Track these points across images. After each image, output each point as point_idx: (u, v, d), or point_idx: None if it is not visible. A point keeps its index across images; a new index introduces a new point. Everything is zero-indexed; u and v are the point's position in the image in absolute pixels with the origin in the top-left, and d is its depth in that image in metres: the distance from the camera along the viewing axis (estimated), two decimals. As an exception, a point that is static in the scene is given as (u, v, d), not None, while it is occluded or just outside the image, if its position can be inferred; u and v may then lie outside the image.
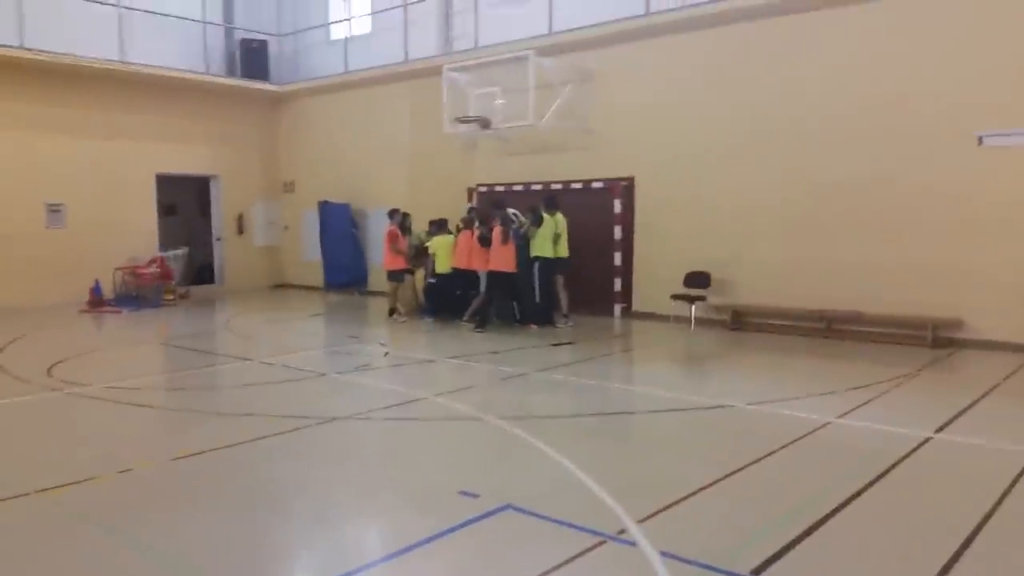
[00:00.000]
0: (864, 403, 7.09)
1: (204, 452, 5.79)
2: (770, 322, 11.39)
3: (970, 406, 7.03)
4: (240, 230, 18.70)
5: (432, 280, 12.97)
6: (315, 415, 6.92)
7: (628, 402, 7.56)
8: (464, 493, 4.82)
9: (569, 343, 10.64)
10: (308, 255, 18.56)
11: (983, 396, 7.41)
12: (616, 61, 12.99)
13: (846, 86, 10.72)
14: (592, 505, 4.60)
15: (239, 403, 7.63)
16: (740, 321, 11.60)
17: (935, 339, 9.91)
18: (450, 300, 12.82)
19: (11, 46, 14.18)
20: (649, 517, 4.39)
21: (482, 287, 12.13)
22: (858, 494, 4.78)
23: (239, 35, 18.46)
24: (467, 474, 5.31)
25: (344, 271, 17.19)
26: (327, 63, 18.08)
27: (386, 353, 10.19)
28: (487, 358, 9.63)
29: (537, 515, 4.45)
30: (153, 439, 6.52)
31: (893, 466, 5.33)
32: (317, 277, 17.98)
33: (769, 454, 5.60)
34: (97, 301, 14.81)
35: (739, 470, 5.23)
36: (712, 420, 6.74)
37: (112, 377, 8.68)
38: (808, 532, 4.19)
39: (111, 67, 15.52)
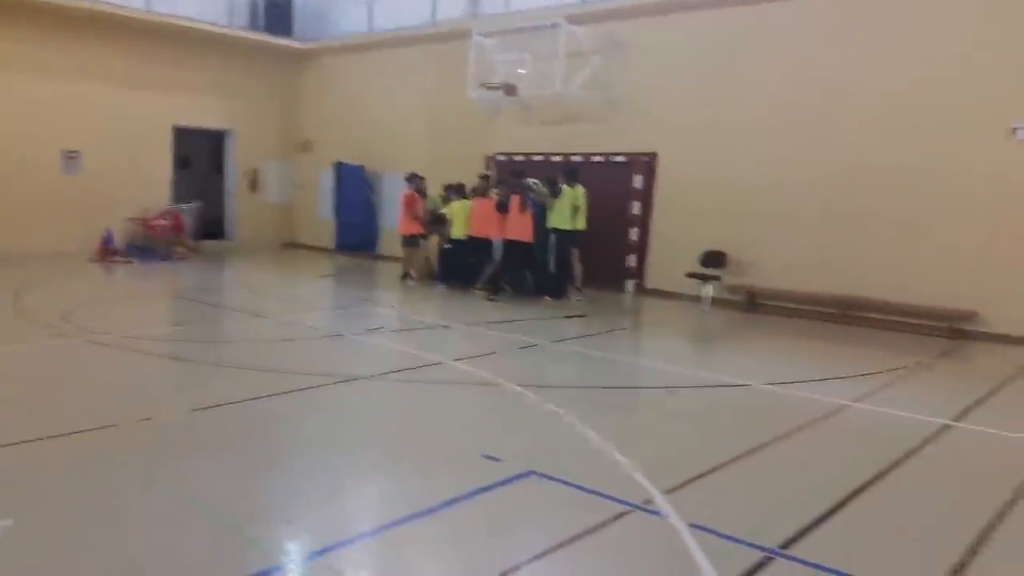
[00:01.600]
0: (881, 389, 7.10)
1: (226, 404, 5.81)
2: (786, 305, 11.37)
3: (987, 396, 7.03)
4: (253, 187, 18.64)
5: (448, 246, 12.93)
6: (336, 373, 6.94)
7: (645, 377, 7.57)
8: (487, 457, 4.84)
9: (582, 316, 10.64)
10: (321, 215, 18.52)
11: (1000, 387, 7.41)
12: (647, 33, 12.83)
13: (880, 70, 10.59)
14: (616, 474, 4.62)
15: (258, 358, 7.64)
16: (755, 303, 11.58)
17: (951, 330, 9.89)
18: (463, 267, 12.79)
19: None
20: (676, 489, 4.40)
21: (496, 255, 12.10)
22: (881, 475, 4.80)
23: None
24: (489, 438, 5.32)
25: (356, 233, 17.17)
26: (352, 21, 17.89)
27: (401, 317, 10.18)
28: (501, 327, 9.62)
29: (561, 481, 4.47)
30: (175, 389, 6.54)
31: (914, 450, 5.35)
32: (328, 238, 17.94)
33: (790, 433, 5.62)
34: (108, 251, 14.79)
35: (761, 447, 5.25)
36: (730, 398, 6.75)
37: (130, 327, 8.70)
38: (834, 510, 4.21)
39: (133, 15, 15.37)
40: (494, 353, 8.17)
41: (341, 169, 17.27)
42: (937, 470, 5.12)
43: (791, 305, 11.30)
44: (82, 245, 14.87)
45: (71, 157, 15.46)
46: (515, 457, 4.83)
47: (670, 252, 12.61)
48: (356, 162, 17.27)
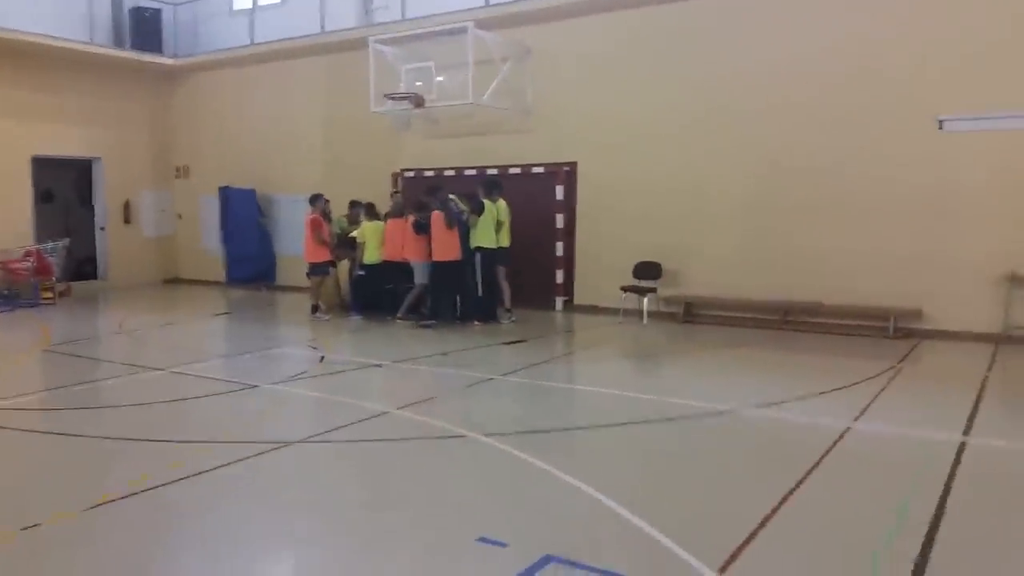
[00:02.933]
0: (868, 404, 6.59)
1: (133, 494, 4.60)
2: (725, 314, 10.92)
3: (976, 404, 6.63)
4: (127, 219, 16.83)
5: (361, 272, 11.81)
6: (262, 439, 5.79)
7: (618, 410, 6.69)
8: (485, 540, 3.90)
9: (521, 341, 9.79)
10: (206, 246, 16.92)
11: (980, 392, 7.06)
12: (557, 37, 12.21)
13: (802, 65, 10.33)
14: (651, 549, 3.78)
15: (162, 425, 6.37)
16: (693, 314, 11.07)
17: (898, 329, 9.66)
18: (379, 295, 11.74)
19: None
20: (728, 565, 3.60)
21: (417, 279, 11.13)
22: (940, 513, 4.17)
23: (130, 2, 16.50)
24: (479, 514, 4.37)
25: (250, 264, 15.70)
26: (229, 35, 16.43)
27: (322, 358, 9.04)
28: (437, 360, 8.66)
29: (591, 568, 3.58)
30: (60, 479, 5.22)
31: (951, 478, 4.78)
32: (217, 271, 16.36)
33: (811, 470, 4.95)
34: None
35: (792, 494, 4.53)
36: (721, 429, 6.04)
37: (8, 389, 7.23)
38: (919, 570, 3.52)
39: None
40: (442, 395, 7.19)
41: (228, 194, 15.77)
42: (991, 497, 4.56)
43: (732, 314, 10.85)
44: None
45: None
46: (520, 538, 3.92)
47: (598, 265, 11.99)
48: (244, 185, 15.82)
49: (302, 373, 8.21)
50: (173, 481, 4.84)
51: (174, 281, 17.45)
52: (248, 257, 15.67)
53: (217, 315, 12.98)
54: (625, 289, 11.23)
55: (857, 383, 7.33)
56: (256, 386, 7.67)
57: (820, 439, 5.55)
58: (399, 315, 11.17)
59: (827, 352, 9.11)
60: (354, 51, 13.61)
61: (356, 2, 14.84)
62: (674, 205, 11.29)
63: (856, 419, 6.11)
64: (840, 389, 7.09)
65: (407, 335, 10.44)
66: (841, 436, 5.67)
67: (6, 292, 13.79)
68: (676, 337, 10.33)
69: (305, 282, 12.97)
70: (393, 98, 12.28)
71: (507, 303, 11.17)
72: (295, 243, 14.58)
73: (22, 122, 14.67)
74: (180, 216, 17.53)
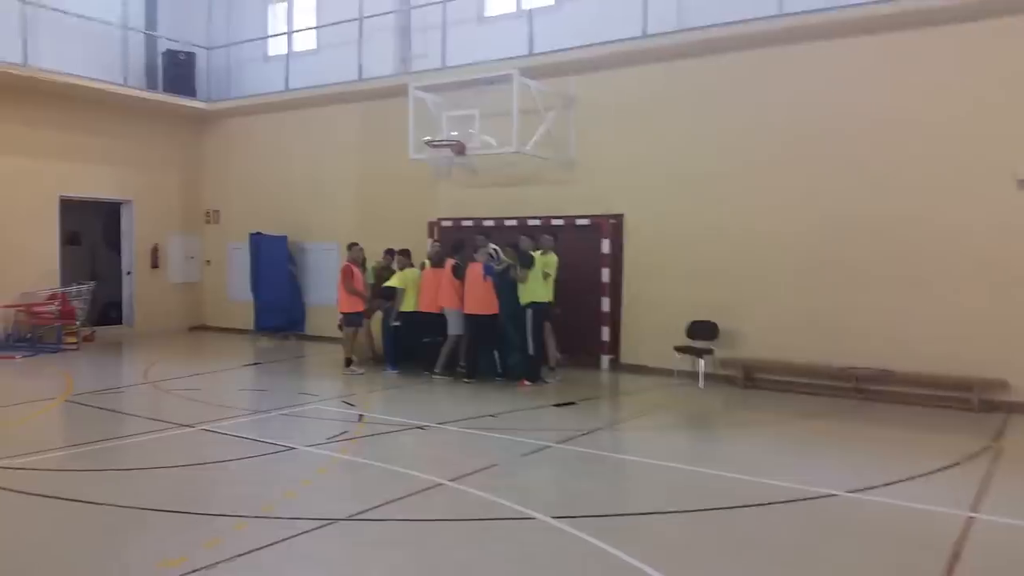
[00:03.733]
0: (982, 489, 5.86)
1: (166, 585, 3.98)
2: (788, 379, 10.17)
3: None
4: (154, 264, 16.43)
5: (396, 323, 11.23)
6: (305, 513, 5.16)
7: (698, 489, 5.99)
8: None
9: (571, 403, 9.11)
10: (234, 294, 16.46)
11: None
12: (602, 86, 11.79)
13: (870, 114, 9.77)
14: None
15: (193, 493, 5.76)
16: (752, 378, 10.36)
17: (982, 402, 8.91)
18: (414, 348, 11.16)
19: None
20: None
21: (451, 330, 10.57)
22: None
23: (163, 45, 16.39)
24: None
25: (279, 312, 15.18)
26: (263, 81, 16.22)
27: (360, 417, 8.42)
28: (486, 423, 8.01)
29: None
30: (79, 555, 4.59)
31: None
32: (244, 319, 15.85)
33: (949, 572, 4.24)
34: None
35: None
36: (831, 518, 5.32)
37: (11, 448, 6.68)
38: None
39: (11, 71, 13.16)
40: (498, 465, 6.52)
41: (258, 241, 15.36)
42: None
43: (793, 379, 10.12)
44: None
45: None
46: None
47: (646, 323, 11.36)
48: (275, 232, 15.41)
49: (341, 434, 7.59)
50: (209, 566, 4.22)
51: (200, 328, 16.96)
52: (278, 306, 15.17)
53: (246, 366, 12.43)
54: (680, 350, 10.56)
55: (957, 463, 6.60)
56: (292, 448, 7.06)
57: (946, 533, 4.85)
58: (436, 370, 10.57)
59: (909, 426, 8.36)
60: (391, 98, 13.30)
61: (394, 50, 14.60)
62: (729, 261, 10.69)
63: (974, 507, 5.39)
64: (942, 470, 6.37)
65: (446, 393, 9.82)
66: (967, 529, 4.96)
67: (29, 336, 13.33)
68: (739, 404, 9.60)
69: (336, 333, 12.45)
70: (434, 145, 11.86)
71: (552, 361, 10.55)
72: (326, 292, 14.13)
73: (52, 162, 14.37)
74: (208, 262, 17.13)
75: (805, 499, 5.60)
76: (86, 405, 9.04)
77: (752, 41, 10.50)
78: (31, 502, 5.45)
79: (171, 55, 16.24)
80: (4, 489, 5.66)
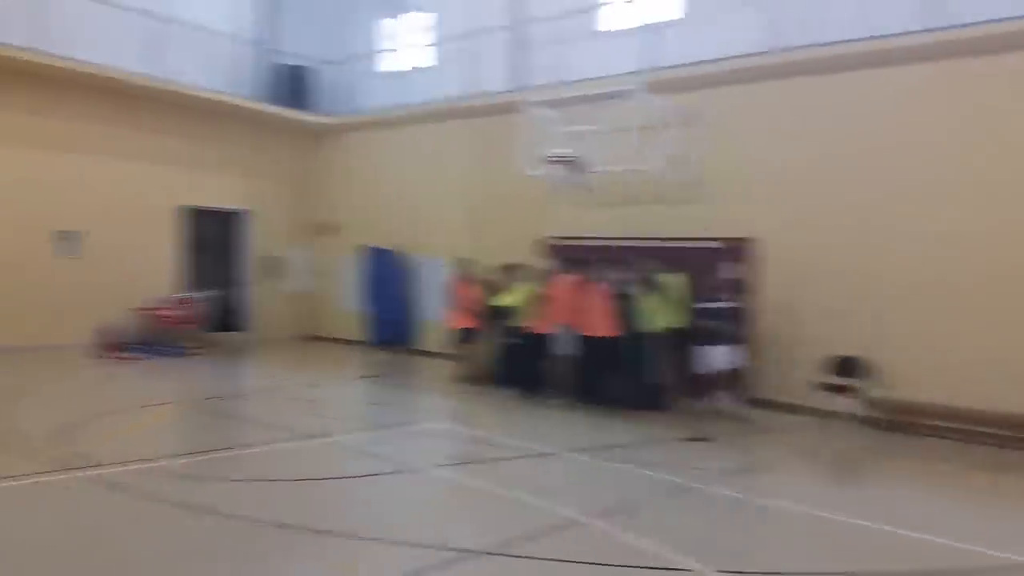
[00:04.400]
0: None
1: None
2: (950, 425, 9.17)
3: None
4: (271, 274, 16.86)
5: (513, 341, 11.05)
6: (441, 543, 5.00)
7: (883, 551, 5.24)
8: None
9: (704, 439, 8.57)
10: (346, 305, 16.69)
11: None
12: (731, 102, 11.33)
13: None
14: None
15: (322, 510, 5.69)
16: (908, 421, 9.42)
17: None
18: (530, 367, 10.92)
19: (10, 45, 12.18)
20: None
21: (568, 350, 10.29)
22: None
23: (282, 59, 16.86)
24: None
25: (391, 325, 15.30)
26: (378, 95, 16.47)
27: (480, 439, 8.25)
28: (616, 455, 7.65)
29: None
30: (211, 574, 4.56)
31: None
32: (355, 330, 16.06)
33: None
34: (113, 345, 12.92)
35: None
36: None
37: (141, 450, 6.85)
38: None
39: (138, 82, 13.73)
40: (639, 503, 6.19)
41: (371, 254, 15.55)
42: None
43: (958, 425, 9.11)
44: (79, 338, 12.91)
45: (67, 239, 13.62)
46: None
47: (781, 355, 10.69)
48: (388, 246, 15.57)
49: (461, 456, 7.44)
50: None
51: (313, 338, 17.28)
52: (389, 319, 15.30)
53: (361, 378, 12.54)
54: (824, 387, 9.89)
55: None
56: (417, 469, 6.94)
57: None
58: (552, 393, 10.32)
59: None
60: (505, 114, 13.19)
61: (510, 65, 14.54)
62: (878, 291, 9.87)
63: None
64: None
65: (565, 417, 9.55)
66: None
67: (156, 339, 13.83)
68: (899, 450, 8.78)
69: (448, 349, 12.40)
70: (553, 160, 11.67)
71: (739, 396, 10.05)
72: (437, 307, 14.12)
73: (175, 171, 14.92)
74: (323, 273, 17.46)
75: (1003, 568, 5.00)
76: (210, 413, 9.23)
77: (898, 56, 9.87)
78: (158, 511, 5.48)
79: (292, 69, 16.69)
80: (133, 493, 5.72)
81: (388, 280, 15.31)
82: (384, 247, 15.58)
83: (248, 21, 16.59)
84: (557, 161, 11.55)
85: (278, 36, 16.97)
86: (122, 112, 14.11)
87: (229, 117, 15.67)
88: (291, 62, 16.75)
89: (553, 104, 12.10)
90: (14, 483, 5.84)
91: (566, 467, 7.33)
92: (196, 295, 14.70)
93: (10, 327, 12.38)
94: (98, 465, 6.34)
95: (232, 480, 6.42)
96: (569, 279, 10.45)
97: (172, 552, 4.80)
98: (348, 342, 16.26)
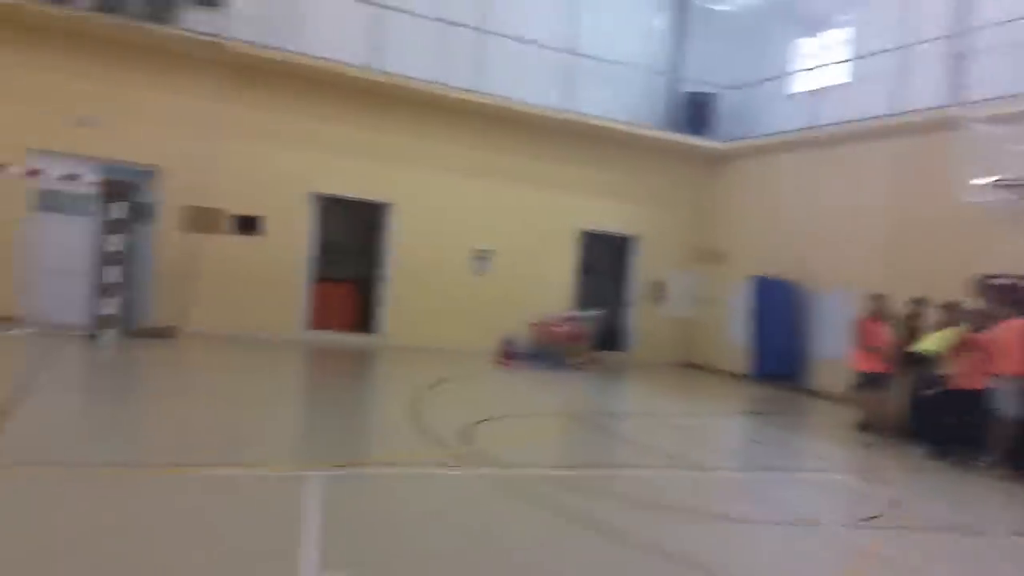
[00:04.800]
0: None
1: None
2: None
3: None
4: (655, 298, 16.83)
5: (930, 392, 9.41)
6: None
7: None
8: None
9: None
10: (730, 336, 15.97)
11: None
12: None
13: None
14: None
15: (721, 557, 5.14)
16: None
17: None
18: (954, 426, 9.15)
19: (459, 87, 13.89)
20: None
21: (1009, 409, 8.40)
22: None
23: (687, 87, 16.80)
24: None
25: (780, 360, 14.24)
26: (784, 118, 15.51)
27: (893, 500, 7.03)
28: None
29: None
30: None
31: None
32: (736, 362, 15.27)
33: None
34: (508, 354, 13.93)
35: None
36: None
37: (532, 456, 7.03)
38: None
39: (544, 114, 14.72)
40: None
41: (762, 284, 14.66)
42: None
43: None
44: (484, 345, 14.21)
45: (481, 257, 15.08)
46: None
47: None
48: (782, 276, 14.54)
49: (873, 517, 6.35)
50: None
51: (690, 365, 16.87)
52: (778, 353, 14.26)
53: (744, 414, 11.79)
54: None
55: None
56: (815, 523, 6.06)
57: None
58: (987, 459, 8.51)
59: None
60: (933, 133, 11.52)
61: (940, 79, 12.63)
62: None
63: None
64: None
65: (1001, 488, 7.79)
66: None
67: (544, 353, 14.54)
68: None
69: (847, 392, 11.06)
70: (1000, 185, 9.81)
71: None
72: (837, 345, 12.72)
73: (574, 196, 15.71)
74: (706, 301, 16.97)
75: None
76: (594, 428, 9.26)
77: None
78: (551, 523, 5.37)
79: (693, 96, 16.55)
80: (526, 499, 5.73)
81: (779, 311, 14.29)
82: (776, 276, 14.60)
83: (658, 52, 16.86)
84: (1006, 186, 9.72)
85: (684, 64, 17.00)
86: (533, 142, 15.25)
87: (629, 145, 16.04)
88: (694, 88, 16.64)
89: (998, 120, 10.26)
90: (419, 472, 6.25)
91: (1002, 551, 5.86)
92: (584, 314, 15.21)
93: (435, 330, 14.25)
94: (494, 464, 6.58)
95: (615, 500, 6.17)
96: (1018, 325, 8.57)
97: None
98: (728, 374, 15.52)
